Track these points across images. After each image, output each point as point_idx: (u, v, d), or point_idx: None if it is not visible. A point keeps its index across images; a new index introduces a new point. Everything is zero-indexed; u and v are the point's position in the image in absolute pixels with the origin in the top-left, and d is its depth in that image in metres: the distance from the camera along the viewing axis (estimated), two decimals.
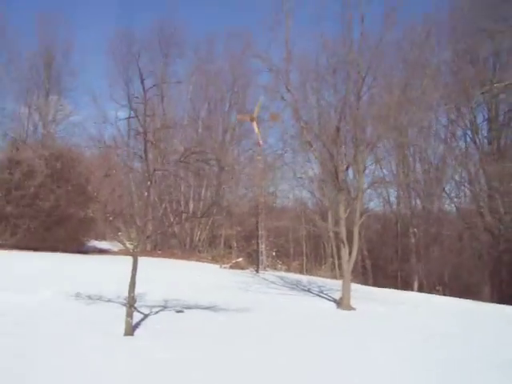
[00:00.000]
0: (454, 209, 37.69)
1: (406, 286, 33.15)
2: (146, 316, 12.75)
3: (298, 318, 14.02)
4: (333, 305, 16.68)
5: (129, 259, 10.78)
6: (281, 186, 40.82)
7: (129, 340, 10.27)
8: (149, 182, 10.10)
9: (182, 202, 36.82)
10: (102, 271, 21.27)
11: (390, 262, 38.17)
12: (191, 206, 36.30)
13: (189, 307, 14.43)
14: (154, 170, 10.14)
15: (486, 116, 32.43)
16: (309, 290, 20.98)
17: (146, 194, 10.20)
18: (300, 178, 20.43)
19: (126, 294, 12.69)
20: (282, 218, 40.07)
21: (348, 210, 16.41)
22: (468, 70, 29.28)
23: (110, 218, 10.91)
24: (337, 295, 19.00)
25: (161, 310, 13.66)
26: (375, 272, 37.16)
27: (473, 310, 18.88)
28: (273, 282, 23.20)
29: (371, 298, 19.08)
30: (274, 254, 36.57)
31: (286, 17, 17.64)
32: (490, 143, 32.45)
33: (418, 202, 36.40)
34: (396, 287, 29.71)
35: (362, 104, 15.44)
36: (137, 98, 9.89)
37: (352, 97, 15.58)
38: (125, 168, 11.79)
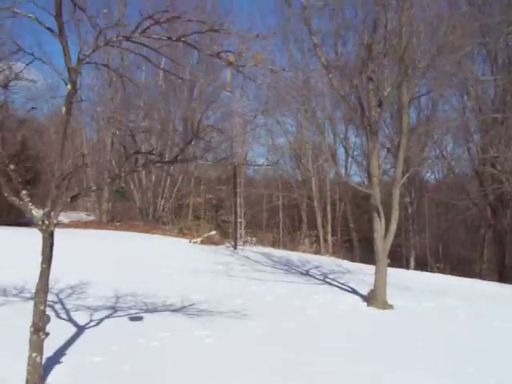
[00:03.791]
0: (451, 175, 33.58)
1: (400, 262, 28.92)
2: (80, 330, 7.71)
3: (322, 328, 9.16)
4: (357, 299, 11.77)
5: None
6: (253, 151, 36.61)
7: None
8: (69, 86, 4.94)
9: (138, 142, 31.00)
10: (38, 251, 16.02)
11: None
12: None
13: (151, 309, 9.46)
14: (80, 60, 4.94)
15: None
16: (308, 273, 16.20)
17: (63, 109, 4.99)
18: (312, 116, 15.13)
19: (63, 283, 10.24)
20: (254, 185, 35.87)
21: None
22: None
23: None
24: (349, 280, 14.42)
25: (107, 317, 8.63)
26: (361, 247, 32.64)
27: None
28: (258, 262, 18.30)
29: (397, 286, 13.90)
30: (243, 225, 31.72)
31: None
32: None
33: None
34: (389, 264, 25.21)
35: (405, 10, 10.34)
36: None
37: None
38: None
